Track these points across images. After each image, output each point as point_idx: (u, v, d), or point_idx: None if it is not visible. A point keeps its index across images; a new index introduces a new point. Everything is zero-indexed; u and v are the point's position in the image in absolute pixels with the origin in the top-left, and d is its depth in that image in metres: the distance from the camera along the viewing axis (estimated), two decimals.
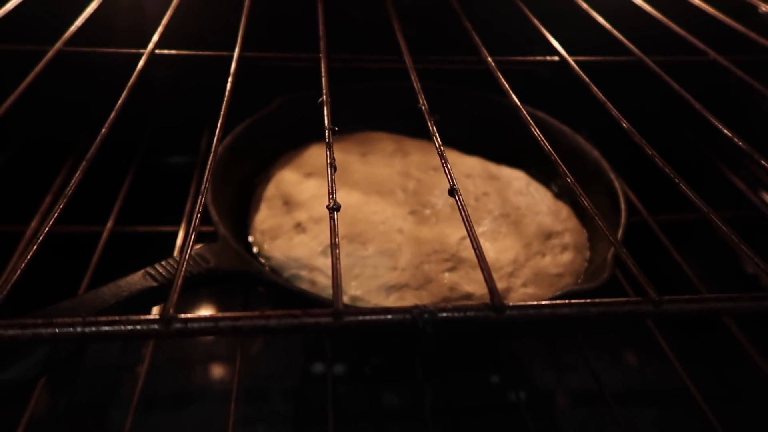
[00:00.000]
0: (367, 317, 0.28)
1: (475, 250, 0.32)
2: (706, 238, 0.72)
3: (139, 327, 0.25)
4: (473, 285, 0.54)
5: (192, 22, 0.66)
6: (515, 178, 0.70)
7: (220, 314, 0.26)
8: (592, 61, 0.59)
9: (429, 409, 0.56)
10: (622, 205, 0.60)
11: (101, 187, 0.69)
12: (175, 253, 0.64)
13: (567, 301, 0.29)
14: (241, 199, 0.67)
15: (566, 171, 0.41)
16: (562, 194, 0.70)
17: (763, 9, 0.72)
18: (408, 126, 0.75)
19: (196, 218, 0.33)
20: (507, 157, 0.75)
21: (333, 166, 0.39)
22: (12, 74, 0.50)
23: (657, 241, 0.71)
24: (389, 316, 0.28)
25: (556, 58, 0.58)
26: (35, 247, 0.30)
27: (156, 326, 0.25)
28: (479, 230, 0.61)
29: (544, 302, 0.29)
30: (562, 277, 0.58)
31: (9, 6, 0.57)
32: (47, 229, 0.31)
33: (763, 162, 0.41)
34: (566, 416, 0.65)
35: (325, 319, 0.27)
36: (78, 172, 0.35)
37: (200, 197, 0.34)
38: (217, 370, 0.67)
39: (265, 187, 0.68)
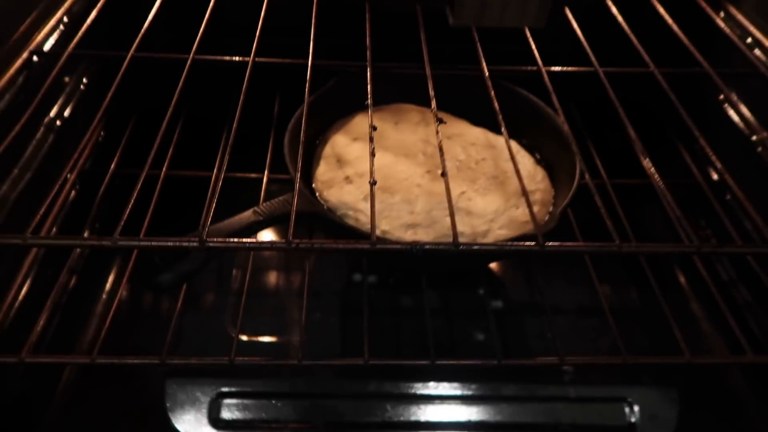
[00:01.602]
0: (387, 246, 0.54)
1: (450, 207, 0.58)
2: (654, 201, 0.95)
3: (283, 245, 0.51)
4: (464, 226, 0.79)
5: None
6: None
7: (315, 240, 0.53)
8: (562, 72, 0.81)
9: (429, 310, 0.80)
10: (577, 171, 0.83)
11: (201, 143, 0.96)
12: (261, 195, 0.91)
13: (493, 242, 0.54)
14: (305, 156, 0.92)
15: (503, 123, 0.66)
16: (542, 161, 0.94)
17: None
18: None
19: (298, 174, 0.58)
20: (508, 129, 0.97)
21: (373, 154, 0.63)
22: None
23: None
24: (398, 246, 0.54)
25: (535, 68, 0.80)
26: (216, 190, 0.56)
27: (284, 245, 0.52)
28: (474, 187, 0.84)
29: (483, 242, 0.54)
30: (528, 224, 0.82)
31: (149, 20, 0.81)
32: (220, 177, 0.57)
33: (645, 162, 0.65)
34: (527, 318, 0.93)
35: (366, 246, 0.53)
36: (230, 140, 0.60)
37: (299, 159, 0.60)
38: (289, 277, 0.96)
39: (323, 148, 0.93)
